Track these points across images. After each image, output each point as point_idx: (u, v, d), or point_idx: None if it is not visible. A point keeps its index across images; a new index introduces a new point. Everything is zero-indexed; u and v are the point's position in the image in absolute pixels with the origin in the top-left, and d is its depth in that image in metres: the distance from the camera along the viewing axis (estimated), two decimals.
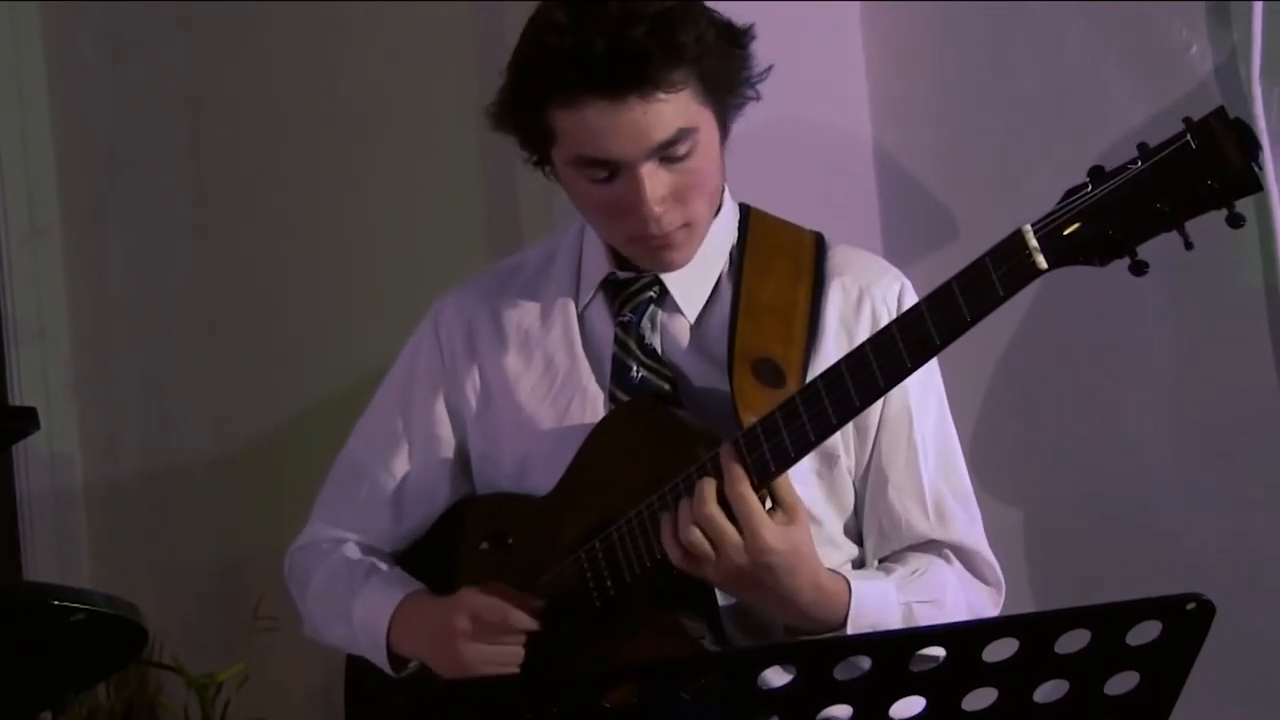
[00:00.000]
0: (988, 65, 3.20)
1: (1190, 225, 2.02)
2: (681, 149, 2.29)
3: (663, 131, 2.27)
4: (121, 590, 3.14)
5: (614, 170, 2.29)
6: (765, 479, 2.21)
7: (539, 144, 2.36)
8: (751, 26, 2.35)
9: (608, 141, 2.27)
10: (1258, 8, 2.89)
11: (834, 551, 2.38)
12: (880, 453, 2.39)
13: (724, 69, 2.31)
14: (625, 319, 2.42)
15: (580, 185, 2.34)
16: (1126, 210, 2.00)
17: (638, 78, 2.24)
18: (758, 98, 2.37)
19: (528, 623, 2.37)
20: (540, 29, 2.31)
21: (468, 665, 2.37)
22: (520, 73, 2.34)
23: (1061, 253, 2.03)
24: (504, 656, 2.37)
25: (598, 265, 2.46)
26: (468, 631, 2.37)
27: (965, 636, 1.73)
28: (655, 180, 2.29)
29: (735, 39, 2.33)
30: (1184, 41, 2.97)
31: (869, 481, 2.40)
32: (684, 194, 2.31)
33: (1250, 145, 1.97)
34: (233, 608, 3.70)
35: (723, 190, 2.43)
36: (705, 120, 2.31)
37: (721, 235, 2.43)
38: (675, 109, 2.27)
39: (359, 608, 2.49)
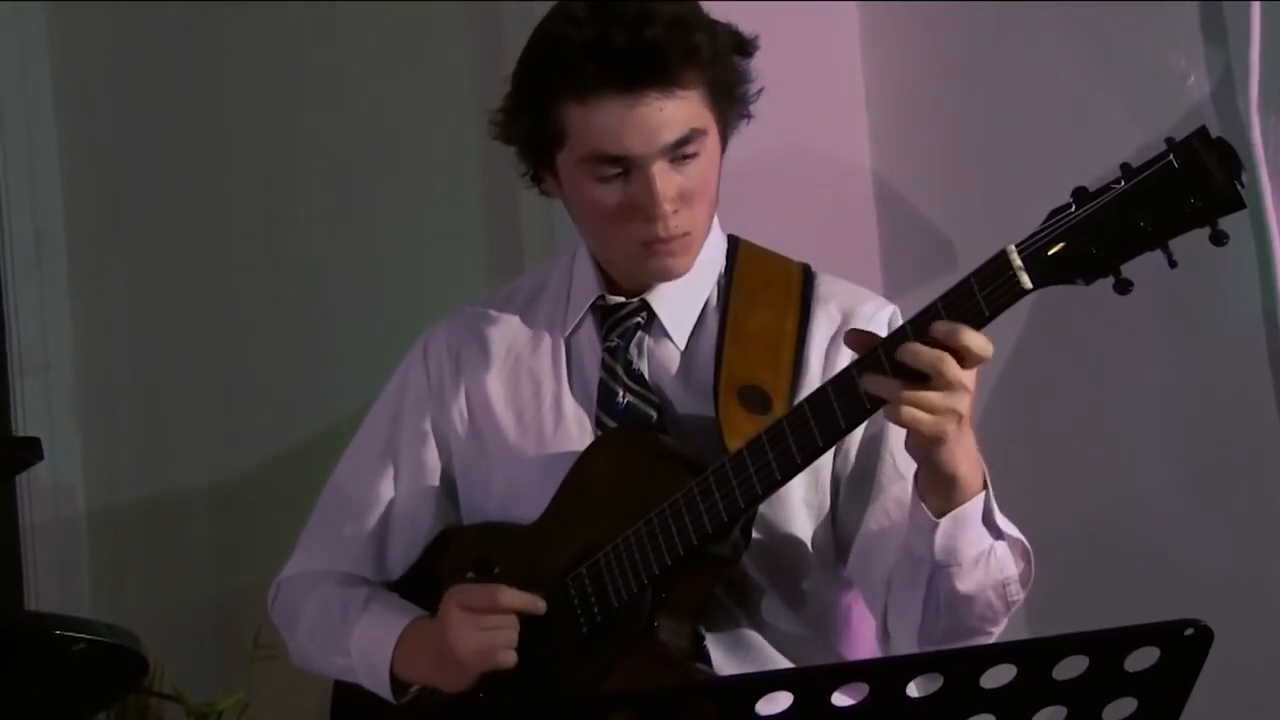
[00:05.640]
0: (988, 96, 3.21)
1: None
2: (691, 149, 2.30)
3: (676, 130, 2.29)
4: (122, 619, 3.15)
5: (626, 168, 2.30)
6: (751, 503, 2.21)
7: (545, 147, 2.35)
8: (756, 38, 2.37)
9: (623, 138, 2.28)
10: (1255, 37, 2.90)
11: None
12: (864, 466, 2.35)
13: (730, 77, 2.34)
14: (613, 344, 2.42)
15: (586, 189, 2.33)
16: (1110, 229, 2.01)
17: (657, 74, 2.27)
18: (750, 118, 2.39)
19: (515, 600, 2.34)
20: (557, 24, 2.32)
21: (461, 658, 2.34)
22: (533, 69, 2.35)
23: (1046, 272, 2.03)
24: (496, 640, 2.34)
25: (587, 288, 2.45)
26: (458, 620, 2.34)
27: (963, 662, 1.74)
28: (666, 179, 2.30)
29: (742, 48, 2.36)
30: (1183, 72, 2.97)
31: (855, 492, 2.36)
32: (689, 198, 2.32)
33: (1233, 164, 1.98)
34: (233, 636, 3.69)
35: (714, 214, 2.43)
36: (711, 127, 2.33)
37: (710, 263, 2.43)
38: (688, 109, 2.29)
39: (359, 634, 2.48)
